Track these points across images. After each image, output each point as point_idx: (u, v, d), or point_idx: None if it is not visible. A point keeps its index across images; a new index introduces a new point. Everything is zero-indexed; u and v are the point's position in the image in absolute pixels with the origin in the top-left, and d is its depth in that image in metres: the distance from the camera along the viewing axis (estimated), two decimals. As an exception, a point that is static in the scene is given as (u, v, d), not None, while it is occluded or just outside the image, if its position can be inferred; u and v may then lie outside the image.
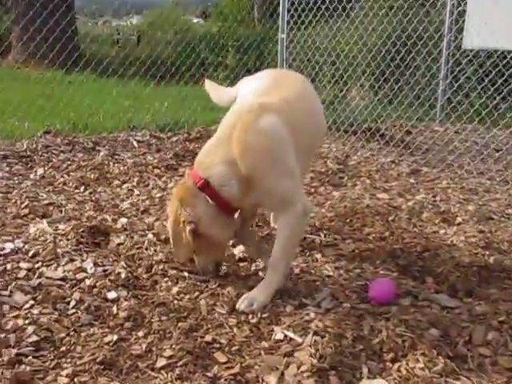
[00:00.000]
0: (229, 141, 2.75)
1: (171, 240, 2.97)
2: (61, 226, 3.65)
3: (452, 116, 6.89)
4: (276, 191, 2.78)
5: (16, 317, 2.64)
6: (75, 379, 2.26)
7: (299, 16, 7.46)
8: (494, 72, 6.90)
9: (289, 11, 7.18)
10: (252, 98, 3.02)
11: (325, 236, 3.70)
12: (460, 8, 7.41)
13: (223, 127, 2.87)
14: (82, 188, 4.50)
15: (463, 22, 7.41)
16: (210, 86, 3.86)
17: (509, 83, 6.61)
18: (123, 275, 3.04)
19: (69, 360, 2.39)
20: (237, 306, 2.76)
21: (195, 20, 22.38)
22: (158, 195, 4.36)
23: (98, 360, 2.36)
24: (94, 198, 4.27)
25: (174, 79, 9.16)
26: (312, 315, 2.69)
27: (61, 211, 4.01)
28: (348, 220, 4.00)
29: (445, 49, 7.73)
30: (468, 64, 7.35)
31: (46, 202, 4.15)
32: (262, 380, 2.28)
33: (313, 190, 4.71)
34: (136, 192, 4.44)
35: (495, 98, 6.63)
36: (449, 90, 7.75)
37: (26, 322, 2.60)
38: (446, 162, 5.58)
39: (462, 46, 7.42)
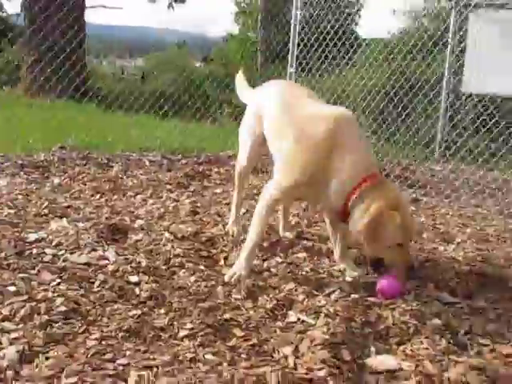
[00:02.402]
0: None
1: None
2: (81, 224, 3.85)
3: (449, 156, 7.21)
4: None
5: (45, 290, 2.81)
6: (103, 342, 2.42)
7: (304, 57, 7.83)
8: (491, 115, 7.22)
9: (297, 58, 7.56)
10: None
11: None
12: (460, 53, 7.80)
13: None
14: (98, 196, 4.69)
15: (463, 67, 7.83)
16: (239, 79, 4.19)
17: (503, 126, 6.94)
18: (143, 264, 3.22)
19: (96, 328, 2.55)
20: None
21: (197, 64, 22.96)
22: (172, 205, 4.56)
23: (123, 328, 2.53)
24: (110, 204, 4.46)
25: (178, 115, 9.50)
26: (323, 302, 2.88)
27: (79, 214, 4.20)
28: (353, 235, 4.19)
29: (444, 93, 8.08)
30: (466, 107, 7.69)
31: (65, 204, 4.35)
32: (279, 351, 2.45)
33: (317, 215, 4.86)
34: (150, 201, 4.64)
35: (492, 140, 6.95)
36: (447, 131, 8.08)
37: (55, 294, 2.77)
38: (444, 193, 5.82)
39: (462, 90, 7.83)
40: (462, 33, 7.97)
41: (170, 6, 17.64)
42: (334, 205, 3.13)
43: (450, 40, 7.79)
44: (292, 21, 7.34)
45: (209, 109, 12.43)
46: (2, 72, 14.03)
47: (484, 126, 7.01)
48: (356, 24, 17.42)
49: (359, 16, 17.02)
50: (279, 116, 3.45)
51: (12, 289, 2.76)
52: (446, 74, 8.20)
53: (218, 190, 5.23)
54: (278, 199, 3.30)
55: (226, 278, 3.13)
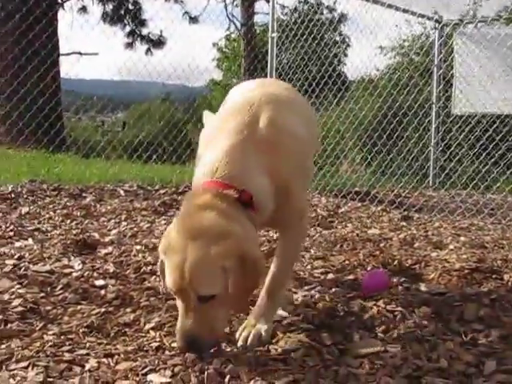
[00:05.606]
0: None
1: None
2: (47, 243, 3.79)
3: (446, 183, 7.24)
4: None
5: (1, 292, 2.74)
6: (62, 337, 2.35)
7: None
8: (484, 137, 7.27)
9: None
10: None
11: (314, 252, 3.84)
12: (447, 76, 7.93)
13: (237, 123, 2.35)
14: (69, 221, 4.63)
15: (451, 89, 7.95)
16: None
17: (499, 147, 6.97)
18: (111, 270, 3.17)
19: (55, 325, 2.47)
20: (240, 343, 2.32)
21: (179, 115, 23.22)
22: (147, 226, 4.51)
23: (85, 325, 2.46)
24: (80, 227, 4.40)
25: (161, 160, 9.53)
26: (300, 294, 2.82)
27: (47, 235, 4.13)
28: (338, 245, 4.14)
29: (434, 117, 8.16)
30: (458, 130, 7.73)
31: (32, 228, 4.29)
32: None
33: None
34: (123, 223, 4.59)
35: (487, 164, 6.95)
36: (441, 157, 8.13)
37: (12, 296, 2.70)
38: (437, 209, 5.80)
39: (452, 112, 7.91)
40: (447, 52, 8.11)
41: (148, 51, 17.82)
42: None
43: (435, 60, 7.90)
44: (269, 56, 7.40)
45: (192, 153, 12.53)
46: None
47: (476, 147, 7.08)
48: (345, 64, 17.69)
49: (345, 55, 17.29)
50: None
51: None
52: (434, 97, 8.28)
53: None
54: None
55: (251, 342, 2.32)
